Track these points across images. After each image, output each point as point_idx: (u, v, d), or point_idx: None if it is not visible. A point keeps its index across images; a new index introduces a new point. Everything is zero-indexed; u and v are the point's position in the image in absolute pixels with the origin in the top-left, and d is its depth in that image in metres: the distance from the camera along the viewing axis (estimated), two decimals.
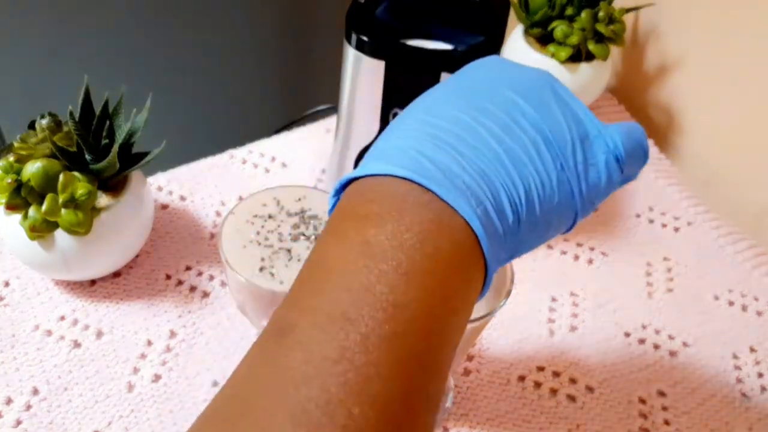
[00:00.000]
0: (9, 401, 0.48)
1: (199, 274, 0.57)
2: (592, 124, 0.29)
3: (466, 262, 0.26)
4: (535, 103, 0.28)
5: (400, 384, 0.23)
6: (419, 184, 0.25)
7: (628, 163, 0.30)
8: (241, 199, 0.63)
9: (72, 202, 0.48)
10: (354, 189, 0.27)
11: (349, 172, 0.57)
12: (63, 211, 0.48)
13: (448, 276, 0.25)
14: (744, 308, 0.59)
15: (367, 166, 0.27)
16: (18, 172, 0.49)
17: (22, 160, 0.49)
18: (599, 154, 0.29)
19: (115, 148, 0.49)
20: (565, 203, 0.28)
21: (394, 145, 0.27)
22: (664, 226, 0.66)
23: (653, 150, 0.74)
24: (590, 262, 0.62)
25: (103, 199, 0.51)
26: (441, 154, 0.26)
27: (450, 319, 0.25)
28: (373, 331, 0.23)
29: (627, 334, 0.56)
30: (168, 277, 0.56)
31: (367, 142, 0.55)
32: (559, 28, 0.69)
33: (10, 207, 0.50)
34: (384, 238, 0.24)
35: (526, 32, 0.73)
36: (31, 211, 0.48)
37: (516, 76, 0.30)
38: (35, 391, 0.48)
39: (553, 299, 0.58)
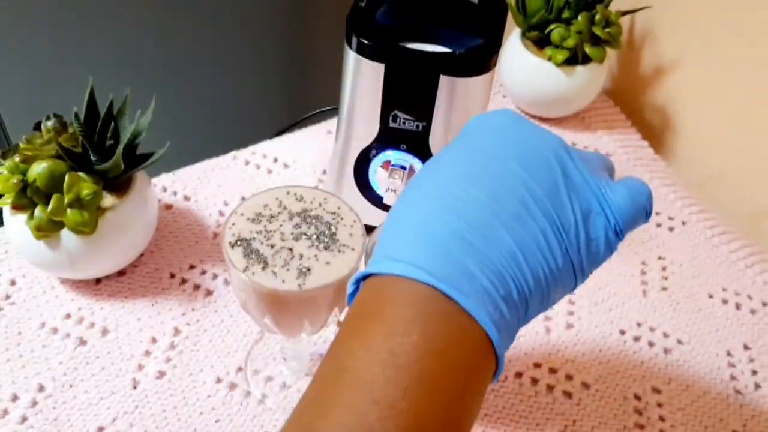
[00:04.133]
0: (15, 398, 0.49)
1: (203, 272, 0.58)
2: (595, 199, 0.30)
3: (482, 365, 0.27)
4: (545, 183, 0.29)
5: None
6: (442, 291, 0.27)
7: (628, 229, 0.31)
8: (243, 199, 0.64)
9: (77, 202, 0.49)
10: (376, 285, 0.29)
11: (349, 176, 0.58)
12: (68, 210, 0.49)
13: (467, 385, 0.27)
14: (738, 306, 0.60)
15: (388, 264, 0.28)
16: (24, 173, 0.49)
17: (27, 161, 0.50)
18: (600, 230, 0.30)
19: (120, 148, 0.50)
20: (567, 277, 0.30)
21: (412, 237, 0.28)
22: (658, 225, 0.67)
23: (648, 152, 0.75)
24: None
25: (108, 199, 0.52)
26: (459, 252, 0.27)
27: (466, 416, 0.27)
28: None
29: (622, 332, 0.57)
30: (172, 275, 0.57)
31: (367, 143, 0.56)
32: (555, 31, 0.70)
33: (16, 207, 0.50)
34: (410, 348, 0.26)
35: (524, 35, 0.74)
36: (37, 211, 0.49)
37: (526, 146, 0.30)
38: (41, 388, 0.49)
39: None
